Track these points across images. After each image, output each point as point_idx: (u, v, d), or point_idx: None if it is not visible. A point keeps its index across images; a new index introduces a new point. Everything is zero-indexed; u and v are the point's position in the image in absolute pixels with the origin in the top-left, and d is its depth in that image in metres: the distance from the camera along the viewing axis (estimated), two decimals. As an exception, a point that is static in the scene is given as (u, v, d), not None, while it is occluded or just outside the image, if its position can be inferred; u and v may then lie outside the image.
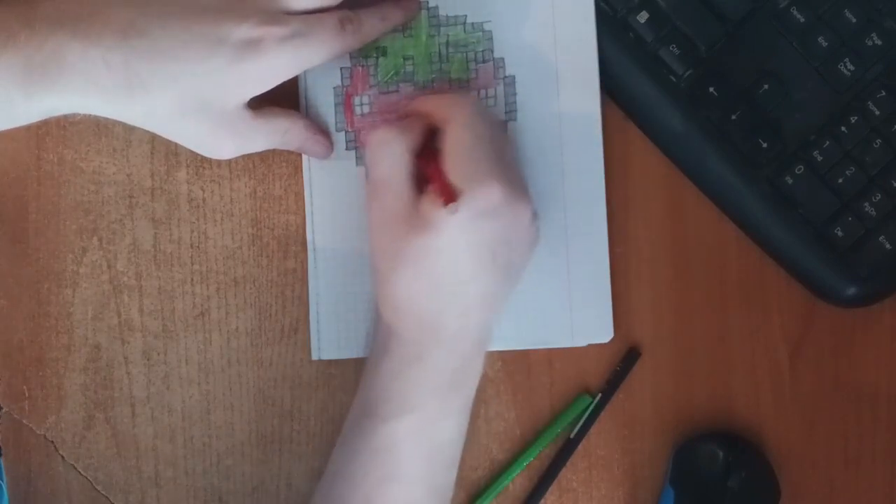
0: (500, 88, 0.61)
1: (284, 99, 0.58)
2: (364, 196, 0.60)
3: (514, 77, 0.61)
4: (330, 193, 0.62)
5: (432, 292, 0.54)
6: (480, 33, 0.61)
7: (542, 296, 0.61)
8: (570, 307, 0.61)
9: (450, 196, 0.53)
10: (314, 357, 0.62)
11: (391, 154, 0.56)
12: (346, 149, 0.61)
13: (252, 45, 0.54)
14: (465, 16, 0.61)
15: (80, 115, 0.55)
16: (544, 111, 0.61)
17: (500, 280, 0.56)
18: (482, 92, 0.61)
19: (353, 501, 0.56)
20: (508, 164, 0.56)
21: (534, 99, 0.61)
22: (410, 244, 0.54)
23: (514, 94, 0.61)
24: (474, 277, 0.55)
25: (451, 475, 0.57)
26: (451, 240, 0.53)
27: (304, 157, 0.62)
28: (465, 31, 0.61)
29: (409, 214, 0.54)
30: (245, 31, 0.54)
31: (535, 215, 0.56)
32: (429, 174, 0.55)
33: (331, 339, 0.62)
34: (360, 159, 0.62)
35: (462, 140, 0.55)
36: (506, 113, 0.61)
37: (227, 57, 0.54)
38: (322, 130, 0.61)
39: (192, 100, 0.54)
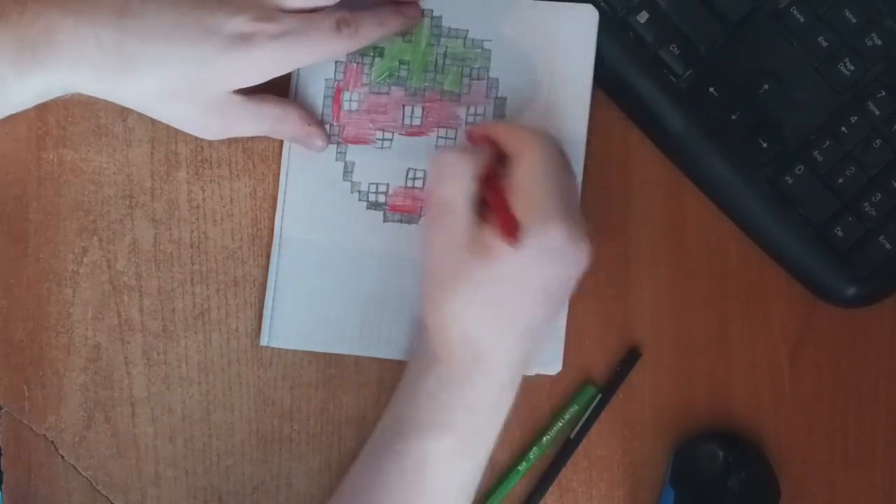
0: (490, 108, 0.62)
1: (275, 84, 0.58)
2: (336, 193, 0.61)
3: (505, 99, 0.61)
4: (305, 184, 0.62)
5: (483, 320, 0.54)
6: (479, 50, 0.62)
7: None
8: None
9: (513, 230, 0.53)
10: (262, 343, 0.62)
11: (457, 177, 0.55)
12: (329, 142, 0.62)
13: (244, 39, 0.54)
14: (468, 31, 0.62)
15: (77, 108, 0.55)
16: None
17: (548, 315, 0.56)
18: (471, 108, 0.62)
19: None
20: (572, 206, 0.55)
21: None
22: (468, 270, 0.54)
23: (503, 117, 0.61)
24: (526, 311, 0.55)
25: (469, 500, 0.57)
26: (510, 273, 0.53)
27: (285, 144, 0.62)
28: (464, 45, 0.62)
29: (469, 240, 0.54)
30: (238, 24, 0.54)
31: (590, 254, 0.55)
32: (493, 204, 0.55)
33: (283, 328, 0.62)
34: (340, 154, 0.62)
35: (533, 176, 0.54)
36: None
37: (217, 46, 0.54)
38: (317, 122, 0.61)
39: (181, 83, 0.55)
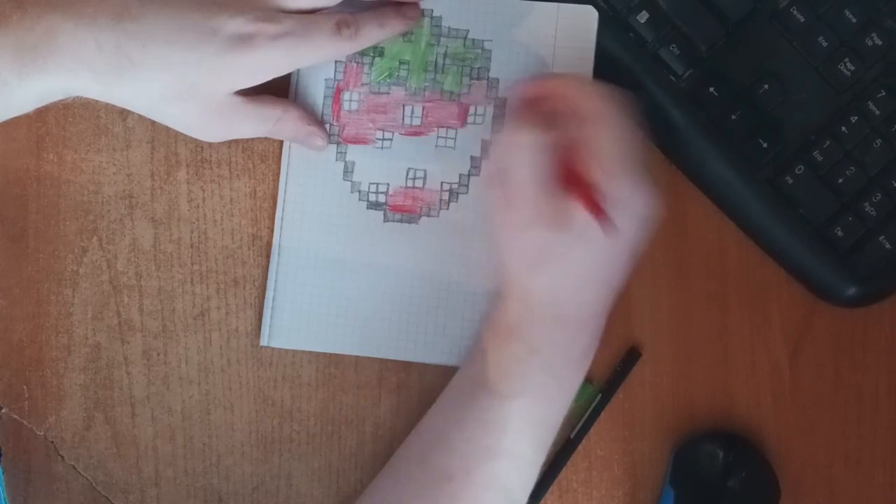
0: (490, 109, 0.61)
1: (275, 84, 0.58)
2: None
3: (505, 100, 0.62)
4: (305, 184, 0.62)
5: (570, 292, 0.55)
6: (479, 51, 0.62)
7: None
8: None
9: (600, 208, 0.52)
10: (262, 343, 0.62)
11: (530, 160, 0.54)
12: (329, 142, 0.62)
13: (244, 40, 0.54)
14: (468, 31, 0.62)
15: (77, 108, 0.55)
16: None
17: (626, 276, 0.57)
18: (471, 108, 0.62)
19: (450, 467, 0.56)
20: (644, 162, 0.55)
21: None
22: (553, 248, 0.54)
23: (503, 116, 0.61)
24: (613, 278, 0.56)
25: (543, 455, 0.58)
26: (601, 249, 0.54)
27: (285, 144, 0.62)
28: (464, 45, 0.62)
29: (550, 216, 0.54)
30: (238, 25, 0.54)
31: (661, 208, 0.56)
32: (569, 176, 0.54)
33: (282, 328, 0.62)
34: (340, 154, 0.62)
35: (610, 139, 0.54)
36: (492, 133, 0.61)
37: (217, 48, 0.54)
38: (317, 122, 0.61)
39: (180, 85, 0.55)
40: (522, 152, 0.54)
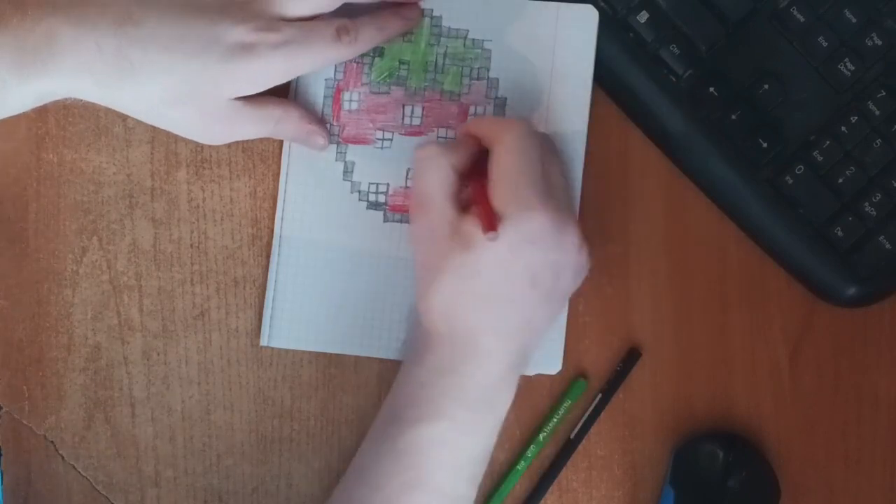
0: (490, 108, 0.62)
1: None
2: (336, 192, 0.62)
3: (505, 99, 0.62)
4: (305, 184, 0.62)
5: (469, 310, 0.55)
6: (479, 50, 0.62)
7: None
8: None
9: (491, 221, 0.53)
10: (262, 343, 0.62)
11: (435, 170, 0.56)
12: (329, 142, 0.62)
13: (245, 49, 0.54)
14: (468, 31, 0.62)
15: (77, 108, 0.55)
16: None
17: (540, 306, 0.56)
18: (471, 109, 0.62)
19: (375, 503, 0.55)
20: (556, 190, 0.56)
21: None
22: (451, 261, 0.54)
23: (503, 116, 0.61)
24: (513, 301, 0.55)
25: (472, 492, 0.56)
26: (491, 263, 0.53)
27: (285, 144, 0.62)
28: (464, 45, 0.62)
29: (451, 231, 0.54)
30: (240, 34, 0.54)
31: (582, 242, 0.56)
32: (474, 196, 0.55)
33: (282, 328, 0.62)
34: (340, 154, 0.62)
35: (508, 164, 0.54)
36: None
37: (219, 56, 0.54)
38: (318, 121, 0.61)
39: (181, 91, 0.55)
40: (429, 165, 0.56)
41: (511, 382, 0.56)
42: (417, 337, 0.57)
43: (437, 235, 0.55)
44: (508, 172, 0.54)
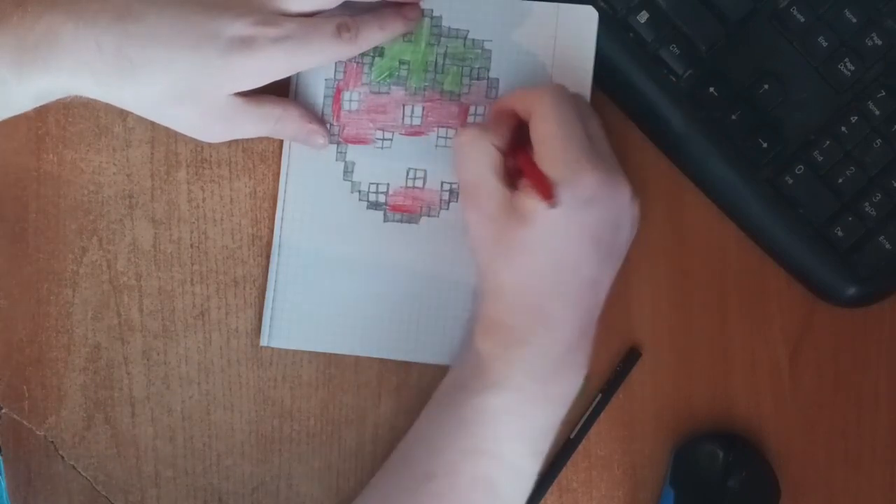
0: (490, 108, 0.61)
1: (275, 84, 0.58)
2: (337, 194, 0.62)
3: None
4: (305, 184, 0.62)
5: (538, 282, 0.55)
6: (479, 51, 0.62)
7: None
8: None
9: (546, 188, 0.53)
10: (262, 343, 0.62)
11: (479, 153, 0.56)
12: (329, 142, 0.62)
13: (245, 43, 0.54)
14: (468, 31, 0.62)
15: (77, 108, 0.55)
16: None
17: (604, 265, 0.56)
18: (471, 109, 0.62)
19: (435, 467, 0.55)
20: (599, 146, 0.56)
21: None
22: (513, 238, 0.54)
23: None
24: (579, 265, 0.55)
25: (536, 465, 0.57)
26: (554, 232, 0.54)
27: (285, 144, 0.62)
28: (464, 45, 0.62)
29: (506, 210, 0.55)
30: (239, 28, 0.54)
31: (634, 194, 0.56)
32: (522, 168, 0.55)
33: (283, 328, 0.62)
34: (340, 154, 0.62)
35: (549, 130, 0.55)
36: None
37: (218, 51, 0.54)
38: (318, 120, 0.61)
39: (181, 87, 0.55)
40: (472, 149, 0.56)
41: (583, 349, 0.56)
42: (483, 313, 0.57)
43: (494, 217, 0.55)
44: (552, 139, 0.54)
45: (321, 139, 0.61)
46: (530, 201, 0.54)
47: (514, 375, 0.55)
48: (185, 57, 0.54)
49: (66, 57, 0.53)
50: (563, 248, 0.54)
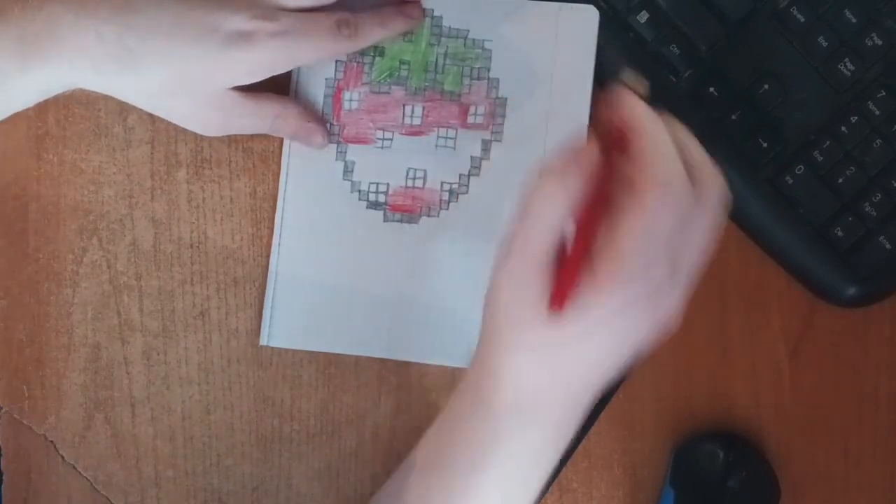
0: (490, 108, 0.61)
1: (275, 82, 0.58)
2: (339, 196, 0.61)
3: (505, 99, 0.62)
4: (305, 184, 0.62)
5: (542, 380, 0.48)
6: (480, 50, 0.62)
7: None
8: None
9: (562, 297, 0.44)
10: (262, 343, 0.62)
11: (546, 214, 0.45)
12: (329, 141, 0.62)
13: (243, 37, 0.54)
14: (468, 31, 0.62)
15: (77, 108, 0.55)
16: (530, 139, 0.61)
17: (627, 358, 0.48)
18: (471, 108, 0.62)
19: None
20: (675, 274, 0.46)
21: (521, 125, 0.61)
22: (538, 327, 0.46)
23: (503, 117, 0.61)
24: (586, 380, 0.48)
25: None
26: (573, 341, 0.46)
27: (285, 143, 0.62)
28: (465, 45, 0.62)
29: (543, 292, 0.45)
30: (238, 22, 0.54)
31: (680, 302, 0.47)
32: (564, 257, 0.46)
33: (283, 328, 0.62)
34: (340, 153, 0.62)
35: (635, 235, 0.44)
36: (492, 133, 0.61)
37: (217, 44, 0.54)
38: (317, 118, 0.61)
39: (180, 79, 0.55)
40: (546, 211, 0.45)
41: (560, 442, 0.50)
42: (476, 380, 0.50)
43: (529, 294, 0.46)
44: (645, 242, 0.43)
45: (320, 138, 0.61)
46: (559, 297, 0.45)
47: (493, 459, 0.49)
48: (184, 49, 0.54)
49: (66, 47, 0.54)
50: (574, 361, 0.47)
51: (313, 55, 0.57)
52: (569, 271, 0.45)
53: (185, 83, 0.55)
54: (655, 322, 0.46)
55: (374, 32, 0.59)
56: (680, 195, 0.44)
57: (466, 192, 0.62)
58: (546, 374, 0.48)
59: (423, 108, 0.62)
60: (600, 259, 0.44)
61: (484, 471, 0.49)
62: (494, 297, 0.48)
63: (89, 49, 0.54)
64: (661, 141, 0.45)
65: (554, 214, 0.45)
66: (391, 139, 0.62)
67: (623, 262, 0.44)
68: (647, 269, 0.44)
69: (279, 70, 0.57)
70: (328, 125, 0.62)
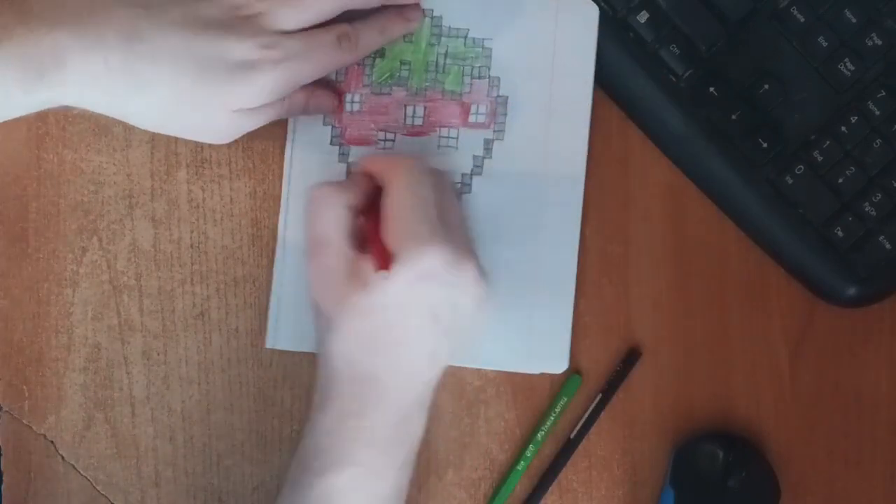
0: (492, 107, 0.61)
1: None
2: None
3: (506, 97, 0.61)
4: (308, 186, 0.62)
5: (370, 351, 0.54)
6: (480, 49, 0.62)
7: (505, 318, 0.61)
8: (530, 333, 0.61)
9: (384, 259, 0.53)
10: (268, 345, 0.62)
11: (330, 211, 0.55)
12: (331, 143, 0.62)
13: (249, 66, 0.55)
14: (468, 30, 0.62)
15: (77, 109, 0.55)
16: (532, 137, 0.61)
17: (442, 341, 0.55)
18: (473, 108, 0.62)
19: None
20: (452, 226, 0.55)
21: (523, 123, 0.61)
22: (349, 303, 0.53)
23: (505, 115, 0.61)
24: (414, 339, 0.54)
25: None
26: (389, 302, 0.53)
27: (287, 145, 0.62)
28: (465, 44, 0.62)
29: (347, 273, 0.54)
30: (244, 51, 0.54)
31: (480, 277, 0.54)
32: (369, 235, 0.55)
33: (288, 330, 0.62)
34: (343, 155, 0.62)
35: (401, 202, 0.54)
36: (494, 132, 0.61)
37: (224, 74, 0.54)
38: (322, 84, 0.61)
39: (185, 105, 0.55)
40: (323, 205, 0.55)
41: (419, 417, 0.56)
42: (321, 383, 0.56)
43: (335, 277, 0.54)
44: (401, 210, 0.54)
45: (329, 101, 0.61)
46: (370, 269, 0.53)
47: (353, 450, 0.54)
48: (190, 79, 0.54)
49: (72, 74, 0.53)
50: (397, 320, 0.53)
51: (318, 72, 0.58)
52: (377, 245, 0.54)
53: (192, 104, 0.55)
54: (461, 294, 0.54)
55: (375, 41, 0.59)
56: (419, 174, 0.55)
57: (469, 191, 0.62)
58: (377, 342, 0.54)
59: (425, 108, 0.62)
60: (385, 234, 0.54)
61: (327, 475, 0.54)
62: (312, 293, 0.56)
63: (96, 76, 0.53)
64: (393, 160, 0.58)
65: (333, 208, 0.55)
66: (393, 140, 0.62)
67: (396, 221, 0.54)
68: (419, 216, 0.54)
69: (285, 93, 0.57)
70: (330, 128, 0.62)
